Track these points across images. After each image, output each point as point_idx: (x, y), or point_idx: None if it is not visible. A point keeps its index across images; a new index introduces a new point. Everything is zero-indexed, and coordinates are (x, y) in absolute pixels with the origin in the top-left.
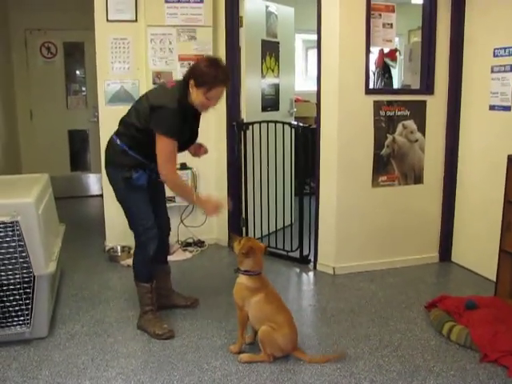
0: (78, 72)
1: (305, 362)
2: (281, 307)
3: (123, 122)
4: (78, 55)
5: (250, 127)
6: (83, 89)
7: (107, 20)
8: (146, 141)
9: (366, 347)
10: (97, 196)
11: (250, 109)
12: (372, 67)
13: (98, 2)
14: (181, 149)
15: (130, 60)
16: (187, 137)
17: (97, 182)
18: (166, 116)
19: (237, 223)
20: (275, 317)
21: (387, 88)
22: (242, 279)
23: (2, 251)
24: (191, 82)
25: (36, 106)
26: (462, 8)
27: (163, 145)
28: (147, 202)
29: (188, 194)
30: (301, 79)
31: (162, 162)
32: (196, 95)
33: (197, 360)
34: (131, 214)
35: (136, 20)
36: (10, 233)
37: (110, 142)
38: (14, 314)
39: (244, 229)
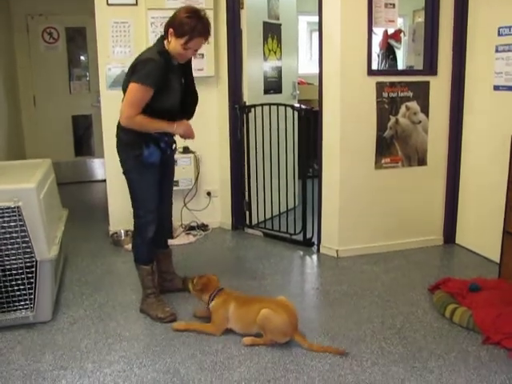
0: (80, 57)
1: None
2: (261, 301)
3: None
4: (80, 40)
5: (253, 110)
6: (86, 74)
7: (108, 4)
8: (149, 112)
9: (368, 330)
10: (101, 181)
11: (252, 91)
12: (376, 49)
13: None
14: (185, 111)
15: (131, 44)
16: (181, 95)
17: (101, 167)
18: (143, 66)
19: (240, 206)
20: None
21: (390, 69)
22: (213, 303)
23: (5, 236)
24: (170, 31)
25: (39, 92)
26: None
27: (131, 90)
28: (155, 185)
29: (160, 126)
30: (305, 62)
31: (123, 107)
32: (174, 44)
33: (199, 343)
34: (136, 194)
35: (136, 3)
36: (12, 218)
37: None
38: (17, 298)
39: (247, 212)
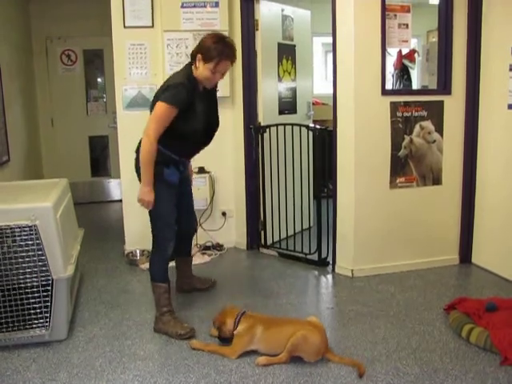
0: (97, 79)
1: (334, 362)
2: (291, 322)
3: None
4: (97, 62)
5: (268, 130)
6: (103, 95)
7: (124, 26)
8: (173, 134)
9: (383, 350)
10: (117, 201)
11: (267, 112)
12: (390, 69)
13: (115, 9)
14: (207, 136)
15: (147, 65)
16: (205, 121)
17: (117, 188)
18: (171, 89)
19: (255, 226)
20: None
21: (404, 89)
22: (239, 329)
23: (22, 255)
24: (198, 57)
25: (57, 113)
26: (480, 6)
27: (157, 108)
28: (173, 200)
29: (148, 171)
30: (320, 82)
31: (148, 122)
32: (202, 69)
33: (213, 362)
34: (155, 209)
35: (152, 25)
36: (29, 236)
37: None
38: (33, 316)
39: (262, 232)
